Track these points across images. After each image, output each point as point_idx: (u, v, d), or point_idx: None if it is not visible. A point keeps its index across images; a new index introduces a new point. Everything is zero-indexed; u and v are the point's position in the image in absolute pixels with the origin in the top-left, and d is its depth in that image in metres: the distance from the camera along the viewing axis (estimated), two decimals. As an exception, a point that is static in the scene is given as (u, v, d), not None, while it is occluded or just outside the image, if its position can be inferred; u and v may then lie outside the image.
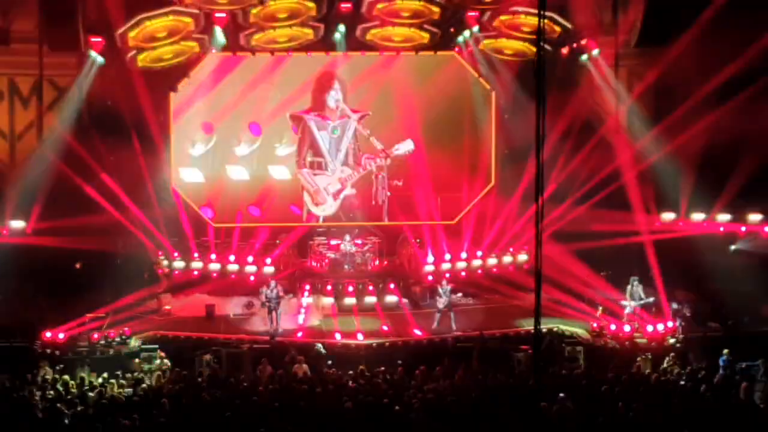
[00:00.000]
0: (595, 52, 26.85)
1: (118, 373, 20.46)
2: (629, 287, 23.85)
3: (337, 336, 23.61)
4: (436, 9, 25.33)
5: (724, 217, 26.44)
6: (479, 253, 27.92)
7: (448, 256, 27.61)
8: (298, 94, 28.19)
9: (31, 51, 26.17)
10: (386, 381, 19.51)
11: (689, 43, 24.58)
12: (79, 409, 17.14)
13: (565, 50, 26.57)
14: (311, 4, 24.76)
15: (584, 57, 26.85)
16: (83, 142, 25.85)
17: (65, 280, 24.52)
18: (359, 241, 28.04)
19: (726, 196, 25.94)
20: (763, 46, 24.06)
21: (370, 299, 26.29)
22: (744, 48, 24.06)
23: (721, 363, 20.52)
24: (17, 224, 25.88)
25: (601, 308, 24.30)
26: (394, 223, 28.58)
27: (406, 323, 24.86)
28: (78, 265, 26.42)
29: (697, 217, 26.74)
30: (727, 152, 24.96)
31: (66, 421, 16.58)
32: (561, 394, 17.83)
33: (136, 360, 21.93)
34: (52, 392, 18.55)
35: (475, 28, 26.27)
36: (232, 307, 26.16)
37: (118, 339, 22.89)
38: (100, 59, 25.62)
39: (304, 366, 20.93)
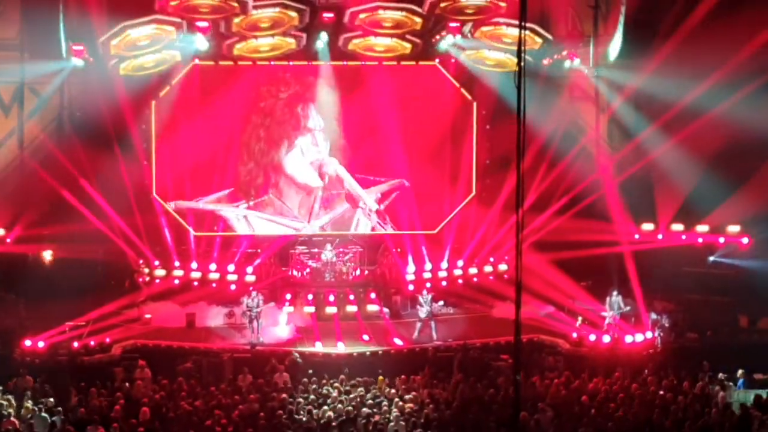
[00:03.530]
0: (576, 62, 27.02)
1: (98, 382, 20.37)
2: (609, 297, 23.95)
3: (318, 345, 23.62)
4: (418, 19, 25.39)
5: (702, 228, 26.63)
6: (460, 263, 28.00)
7: (428, 266, 27.67)
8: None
9: (13, 58, 26.13)
10: (366, 390, 19.56)
11: (669, 54, 24.79)
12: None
13: (546, 61, 26.67)
14: (294, 14, 24.79)
15: (565, 66, 27.00)
16: (64, 150, 25.77)
17: (45, 288, 24.39)
18: (340, 251, 28.05)
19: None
20: (743, 56, 24.26)
21: (351, 308, 26.29)
22: (724, 58, 24.25)
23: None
24: (-3, 232, 25.79)
25: (580, 318, 24.41)
26: (375, 233, 28.59)
27: (387, 332, 24.87)
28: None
29: (677, 227, 26.92)
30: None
31: None
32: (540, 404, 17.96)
33: (117, 369, 21.85)
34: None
35: (457, 39, 26.33)
36: (213, 316, 26.11)
37: (98, 348, 22.83)
38: (77, 62, 25.28)
39: (285, 375, 20.94)
